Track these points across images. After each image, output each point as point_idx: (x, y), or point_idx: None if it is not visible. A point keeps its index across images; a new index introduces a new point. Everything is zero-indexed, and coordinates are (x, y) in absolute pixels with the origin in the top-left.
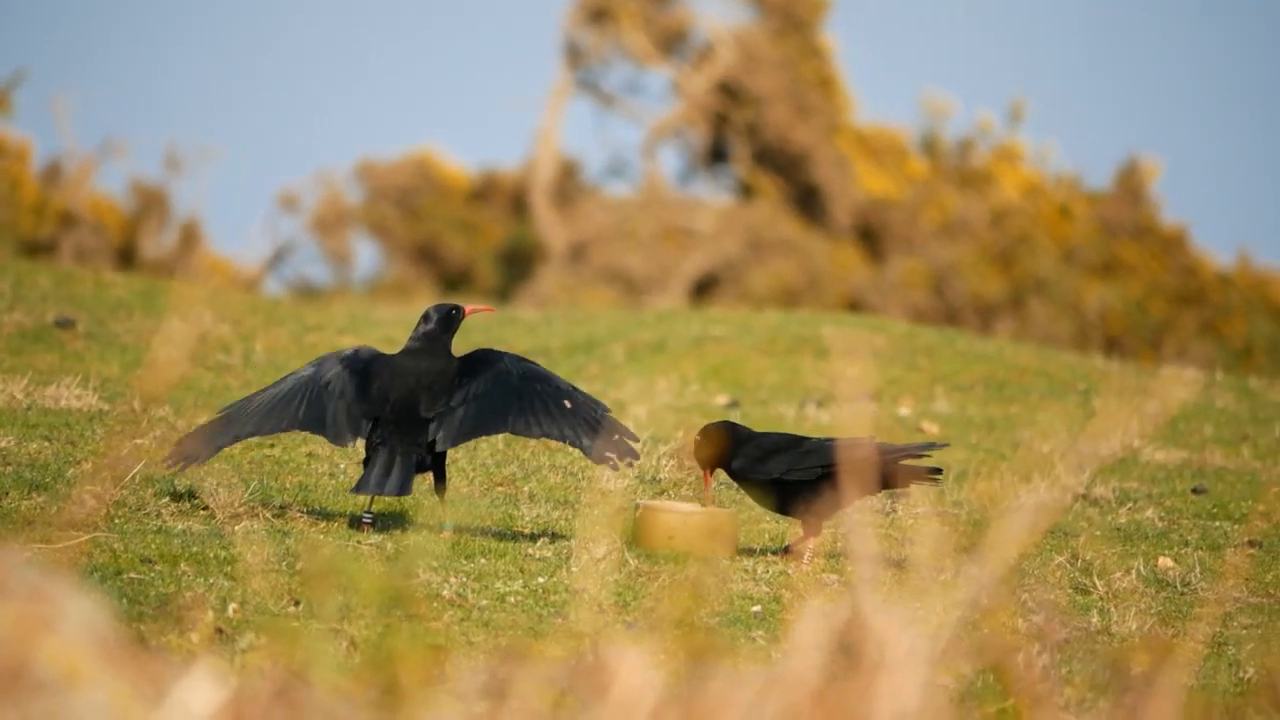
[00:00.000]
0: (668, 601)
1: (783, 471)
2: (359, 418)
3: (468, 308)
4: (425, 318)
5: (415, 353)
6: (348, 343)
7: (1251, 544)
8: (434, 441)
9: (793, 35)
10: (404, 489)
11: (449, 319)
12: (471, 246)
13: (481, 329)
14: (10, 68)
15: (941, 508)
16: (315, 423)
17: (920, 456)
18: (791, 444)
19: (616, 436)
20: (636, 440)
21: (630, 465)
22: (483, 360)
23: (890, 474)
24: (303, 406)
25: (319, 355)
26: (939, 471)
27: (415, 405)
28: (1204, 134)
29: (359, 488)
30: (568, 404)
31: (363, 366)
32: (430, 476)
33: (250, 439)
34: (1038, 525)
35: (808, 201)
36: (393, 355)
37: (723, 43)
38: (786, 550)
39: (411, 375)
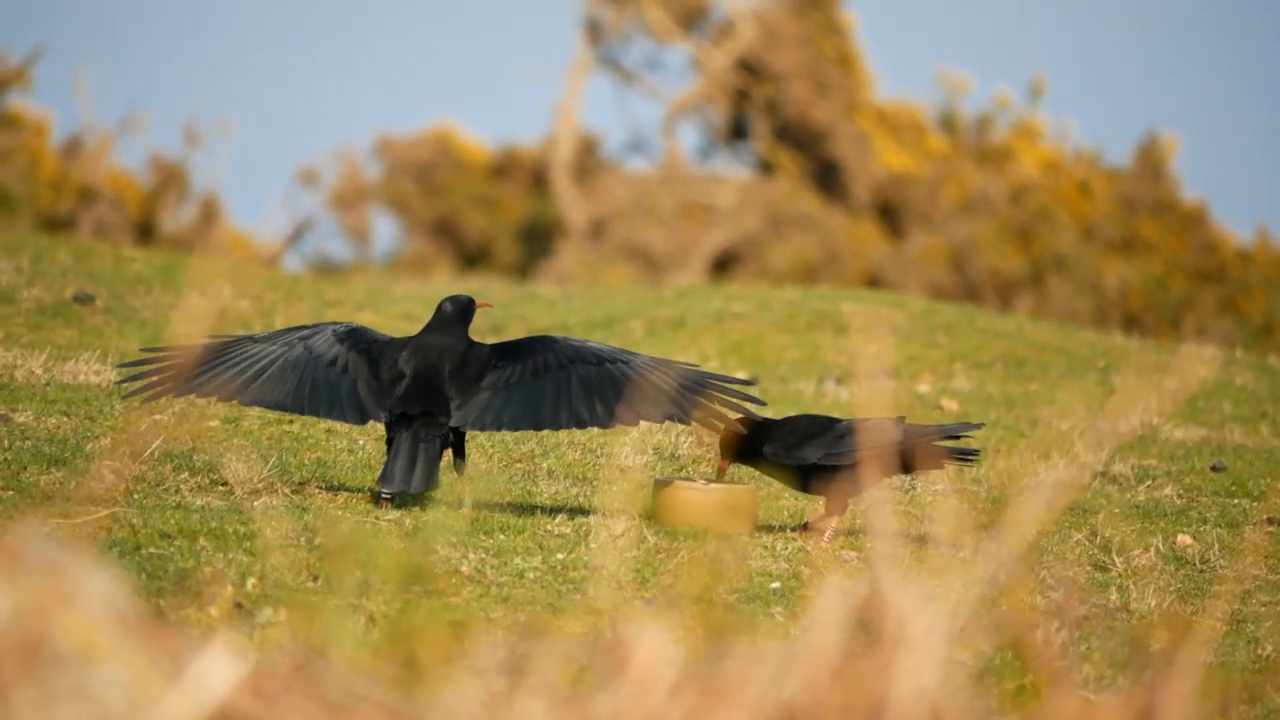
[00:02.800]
0: (686, 578)
1: (820, 457)
2: (378, 394)
3: (478, 301)
4: (440, 308)
5: (433, 332)
6: (367, 319)
7: (1270, 521)
8: (456, 420)
9: (812, 12)
10: (429, 484)
11: (465, 310)
12: (491, 223)
13: (501, 305)
14: (30, 42)
15: (961, 485)
16: (328, 407)
17: (957, 437)
18: (824, 428)
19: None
20: (748, 384)
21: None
22: (528, 348)
23: (924, 455)
24: (308, 389)
25: (310, 326)
26: (975, 453)
27: (436, 380)
28: (1223, 110)
29: (383, 480)
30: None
31: (365, 345)
32: (448, 454)
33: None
34: (1057, 503)
35: (827, 178)
36: (408, 336)
37: (743, 19)
38: (806, 527)
39: (433, 350)
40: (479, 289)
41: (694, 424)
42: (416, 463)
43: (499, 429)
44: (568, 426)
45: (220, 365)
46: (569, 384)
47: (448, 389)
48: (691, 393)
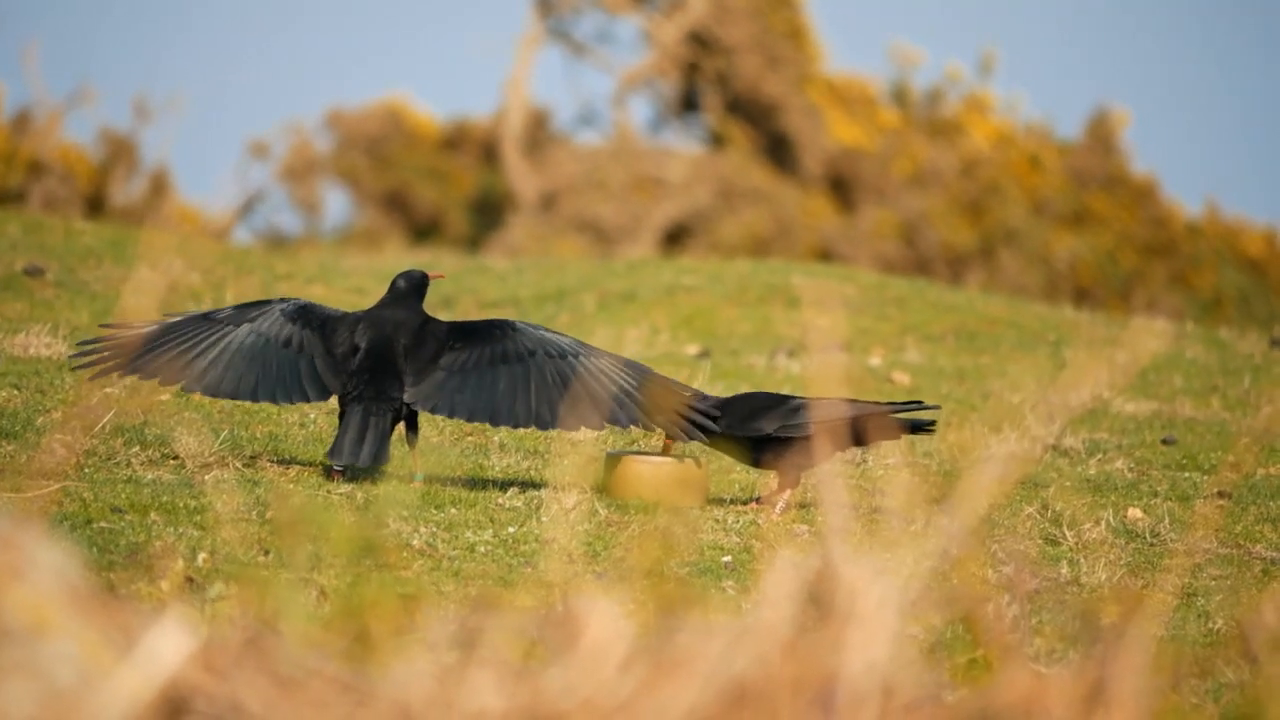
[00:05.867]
0: (638, 551)
1: (775, 429)
2: (334, 368)
3: (431, 274)
4: (394, 284)
5: (386, 306)
6: (318, 291)
7: (1221, 495)
8: (409, 396)
9: None
10: (378, 459)
11: (419, 285)
12: (442, 195)
13: (452, 279)
14: None
15: (912, 458)
16: (286, 391)
17: (909, 410)
18: (778, 402)
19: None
20: (698, 395)
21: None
22: (486, 332)
23: (877, 428)
24: (259, 376)
25: (254, 304)
26: (932, 423)
27: (390, 354)
28: (1173, 84)
29: (332, 454)
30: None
31: (319, 321)
32: (399, 427)
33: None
34: (1008, 476)
35: (778, 151)
36: (361, 310)
37: None
38: (758, 500)
39: (388, 324)
40: (430, 261)
41: (649, 425)
42: (366, 436)
43: (452, 415)
44: (525, 425)
45: (172, 346)
46: (527, 378)
47: (402, 364)
48: (642, 390)
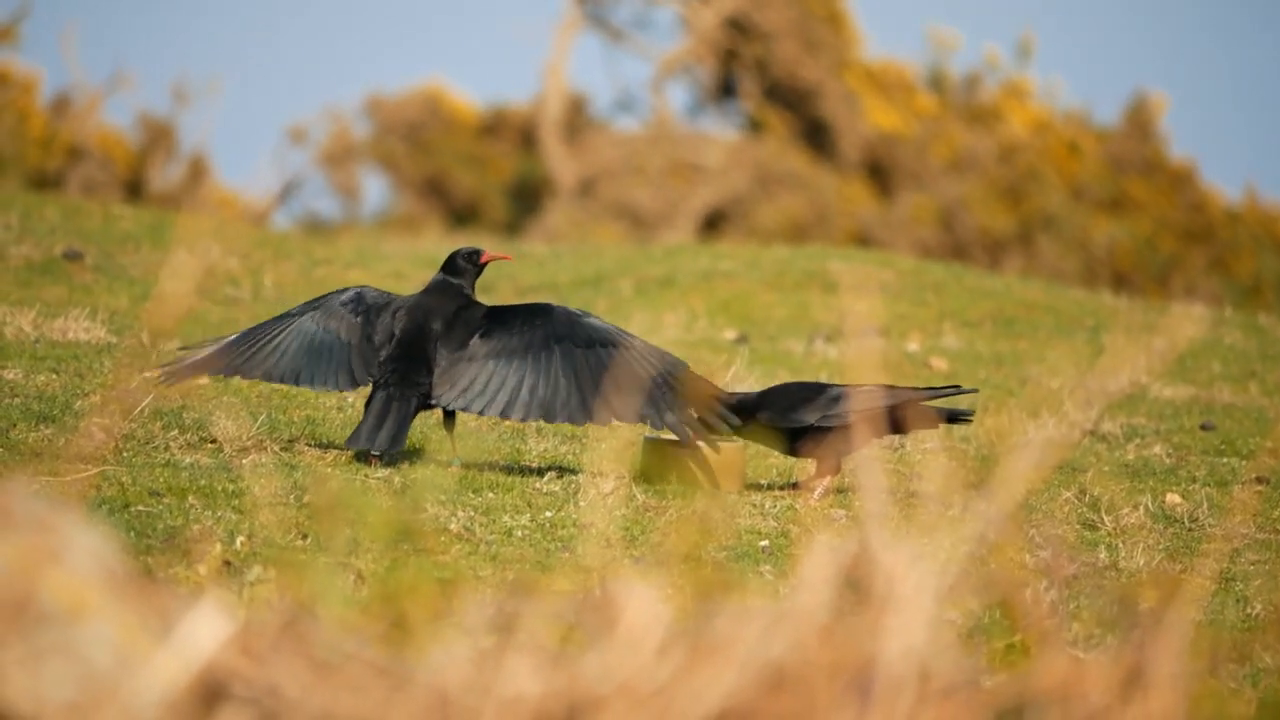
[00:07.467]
0: (675, 536)
1: (817, 419)
2: (369, 357)
3: (486, 254)
4: (448, 261)
5: (429, 292)
6: (356, 277)
7: (1259, 480)
8: (435, 394)
9: None
10: (394, 443)
11: (468, 261)
12: (481, 181)
13: (490, 265)
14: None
15: (950, 443)
16: (323, 378)
17: (946, 395)
18: (817, 392)
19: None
20: (729, 397)
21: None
22: (516, 318)
23: (916, 416)
24: (306, 360)
25: (322, 296)
26: (969, 413)
27: (421, 342)
28: (1212, 70)
29: (351, 439)
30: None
31: (366, 309)
32: (438, 412)
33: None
34: (1046, 461)
35: (816, 137)
36: (407, 295)
37: None
38: (796, 485)
39: (421, 311)
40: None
41: (667, 425)
42: (385, 422)
43: (468, 410)
44: (533, 419)
45: (249, 347)
46: (549, 369)
47: (432, 351)
48: (667, 390)
